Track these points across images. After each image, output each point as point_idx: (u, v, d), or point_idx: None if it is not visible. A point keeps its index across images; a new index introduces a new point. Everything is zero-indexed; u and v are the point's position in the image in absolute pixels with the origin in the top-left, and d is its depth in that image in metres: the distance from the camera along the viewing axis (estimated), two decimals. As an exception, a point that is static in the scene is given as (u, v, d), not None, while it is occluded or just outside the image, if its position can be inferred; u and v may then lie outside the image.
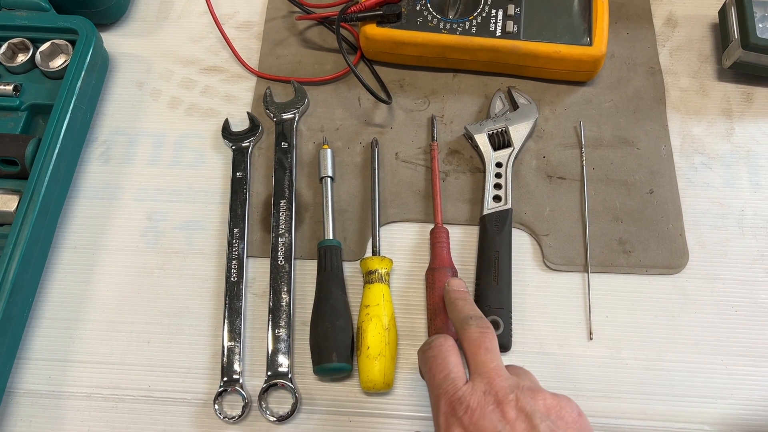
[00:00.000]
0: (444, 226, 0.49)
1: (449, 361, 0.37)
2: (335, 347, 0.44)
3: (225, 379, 0.45)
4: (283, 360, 0.46)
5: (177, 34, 0.61)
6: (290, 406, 0.44)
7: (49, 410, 0.46)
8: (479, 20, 0.54)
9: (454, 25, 0.54)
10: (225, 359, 0.46)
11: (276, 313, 0.47)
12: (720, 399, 0.45)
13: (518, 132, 0.52)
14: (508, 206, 0.50)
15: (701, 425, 0.44)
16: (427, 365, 0.38)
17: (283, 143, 0.54)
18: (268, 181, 0.53)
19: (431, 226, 0.50)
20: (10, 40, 0.56)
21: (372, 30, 0.55)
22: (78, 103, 0.53)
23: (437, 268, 0.47)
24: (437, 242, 0.48)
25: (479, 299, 0.47)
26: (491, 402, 0.34)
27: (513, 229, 0.50)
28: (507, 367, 0.37)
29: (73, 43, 0.56)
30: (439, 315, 0.45)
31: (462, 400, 0.34)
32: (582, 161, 0.53)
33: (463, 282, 0.44)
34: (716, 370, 0.46)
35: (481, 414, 0.33)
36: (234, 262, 0.49)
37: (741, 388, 0.45)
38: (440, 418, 0.35)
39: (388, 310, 0.46)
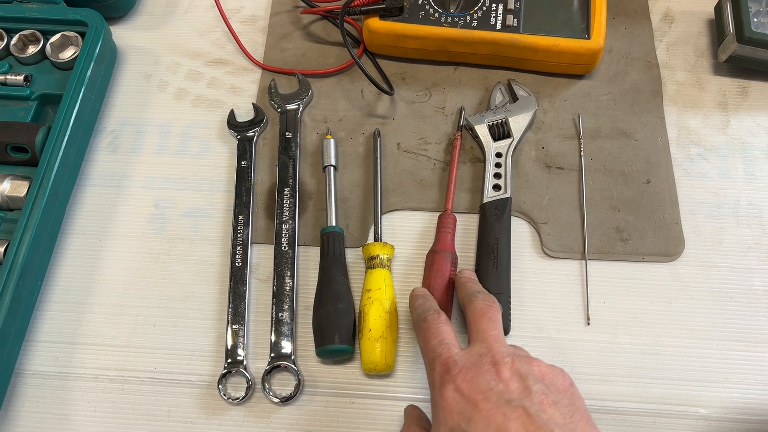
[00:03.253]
0: (453, 213, 0.50)
1: (442, 329, 0.39)
2: (337, 329, 0.45)
3: (229, 361, 0.46)
4: (286, 343, 0.47)
5: (184, 28, 0.62)
6: (293, 388, 0.45)
7: (56, 391, 0.47)
8: (480, 14, 0.56)
9: (455, 19, 0.55)
10: (229, 342, 0.47)
11: (279, 297, 0.48)
12: (715, 383, 0.46)
13: (518, 123, 0.54)
14: (508, 195, 0.51)
15: (696, 408, 0.45)
16: (422, 334, 0.39)
17: (287, 133, 0.55)
18: (272, 170, 0.54)
19: (432, 214, 0.51)
20: (22, 32, 0.57)
21: (375, 23, 0.56)
22: (87, 93, 0.54)
23: (438, 251, 0.48)
24: (443, 227, 0.49)
25: (479, 284, 0.48)
26: (487, 363, 0.35)
27: (512, 218, 0.51)
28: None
29: (82, 35, 0.57)
30: (434, 295, 0.46)
31: (457, 361, 0.36)
32: (580, 152, 0.54)
33: (473, 273, 0.46)
34: (711, 355, 0.46)
35: (476, 372, 0.34)
36: (239, 248, 0.50)
37: (735, 372, 0.46)
38: (435, 377, 0.36)
39: (389, 294, 0.47)
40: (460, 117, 0.55)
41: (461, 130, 0.54)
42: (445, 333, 0.38)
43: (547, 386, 0.34)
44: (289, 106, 0.56)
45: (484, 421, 0.32)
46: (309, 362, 0.47)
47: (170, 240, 0.52)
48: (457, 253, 0.49)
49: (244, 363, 0.46)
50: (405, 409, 0.41)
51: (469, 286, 0.43)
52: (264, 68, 0.59)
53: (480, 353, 0.36)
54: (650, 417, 0.45)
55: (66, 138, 0.51)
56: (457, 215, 0.51)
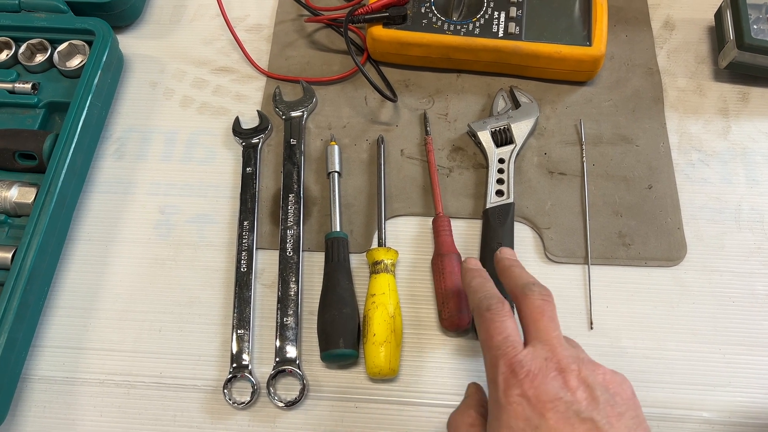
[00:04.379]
0: (445, 216, 0.51)
1: (507, 325, 0.37)
2: (342, 334, 0.45)
3: (234, 365, 0.46)
4: (290, 347, 0.47)
5: (189, 37, 0.63)
6: (298, 392, 0.46)
7: (63, 396, 0.47)
8: (482, 22, 0.56)
9: (458, 27, 0.56)
10: (234, 347, 0.47)
11: (284, 302, 0.48)
12: (718, 387, 0.46)
13: (520, 129, 0.54)
14: (511, 200, 0.51)
15: (700, 412, 0.45)
16: (485, 326, 0.37)
17: (291, 140, 0.55)
18: (277, 177, 0.55)
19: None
20: (29, 41, 0.58)
21: (378, 31, 0.57)
22: (94, 101, 0.55)
23: (445, 254, 0.48)
24: (441, 230, 0.50)
25: (482, 289, 0.48)
26: (553, 369, 0.34)
27: (515, 223, 0.51)
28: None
29: (89, 43, 0.58)
30: (452, 299, 0.46)
31: (523, 363, 0.34)
32: (582, 158, 0.54)
33: (514, 252, 0.44)
34: (714, 359, 0.47)
35: (543, 379, 0.33)
36: (244, 253, 0.51)
37: (739, 376, 0.46)
38: (499, 378, 0.35)
39: (393, 299, 0.47)
40: (426, 122, 0.55)
41: (430, 134, 0.55)
42: (510, 329, 0.36)
43: (612, 396, 0.33)
44: (294, 113, 0.57)
45: (552, 431, 0.32)
46: (314, 367, 0.47)
47: (176, 246, 0.52)
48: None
49: (249, 368, 0.47)
50: (468, 386, 0.40)
51: (517, 273, 0.40)
52: (269, 76, 0.60)
53: (545, 357, 0.34)
54: (654, 421, 0.45)
55: (73, 145, 0.52)
56: (460, 221, 0.52)
